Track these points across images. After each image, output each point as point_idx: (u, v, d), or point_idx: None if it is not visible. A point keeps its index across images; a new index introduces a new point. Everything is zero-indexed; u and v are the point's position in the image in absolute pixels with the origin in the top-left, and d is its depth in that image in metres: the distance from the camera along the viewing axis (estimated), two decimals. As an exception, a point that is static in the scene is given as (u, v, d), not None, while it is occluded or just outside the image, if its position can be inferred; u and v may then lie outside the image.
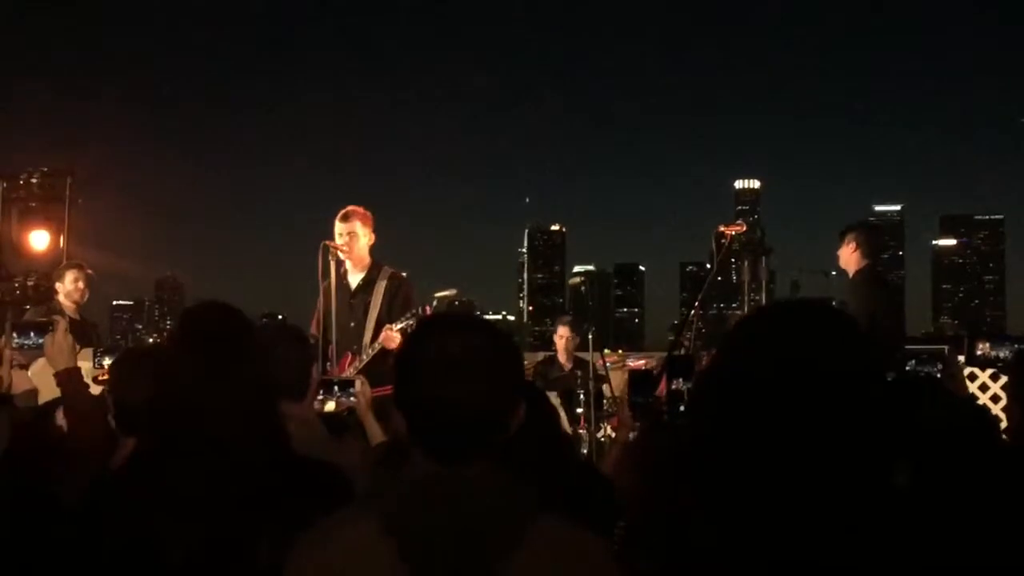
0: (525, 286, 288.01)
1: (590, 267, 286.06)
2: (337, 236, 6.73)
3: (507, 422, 1.88)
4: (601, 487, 3.62)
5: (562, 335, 9.38)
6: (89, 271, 8.22)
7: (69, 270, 8.08)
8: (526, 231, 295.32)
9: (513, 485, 1.84)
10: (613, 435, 7.29)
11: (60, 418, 3.45)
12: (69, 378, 3.40)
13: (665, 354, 6.63)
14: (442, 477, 1.81)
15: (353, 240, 6.71)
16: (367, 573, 1.80)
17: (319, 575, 1.84)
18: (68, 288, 8.03)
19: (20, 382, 6.51)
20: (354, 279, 6.85)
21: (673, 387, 4.04)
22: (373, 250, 6.92)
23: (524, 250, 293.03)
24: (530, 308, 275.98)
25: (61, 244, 9.74)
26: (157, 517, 2.34)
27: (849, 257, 7.45)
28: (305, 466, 2.66)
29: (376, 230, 6.91)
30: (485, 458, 1.84)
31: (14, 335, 3.76)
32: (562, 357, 9.39)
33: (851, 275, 7.41)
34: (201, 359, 2.53)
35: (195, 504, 2.35)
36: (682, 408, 3.70)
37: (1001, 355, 4.46)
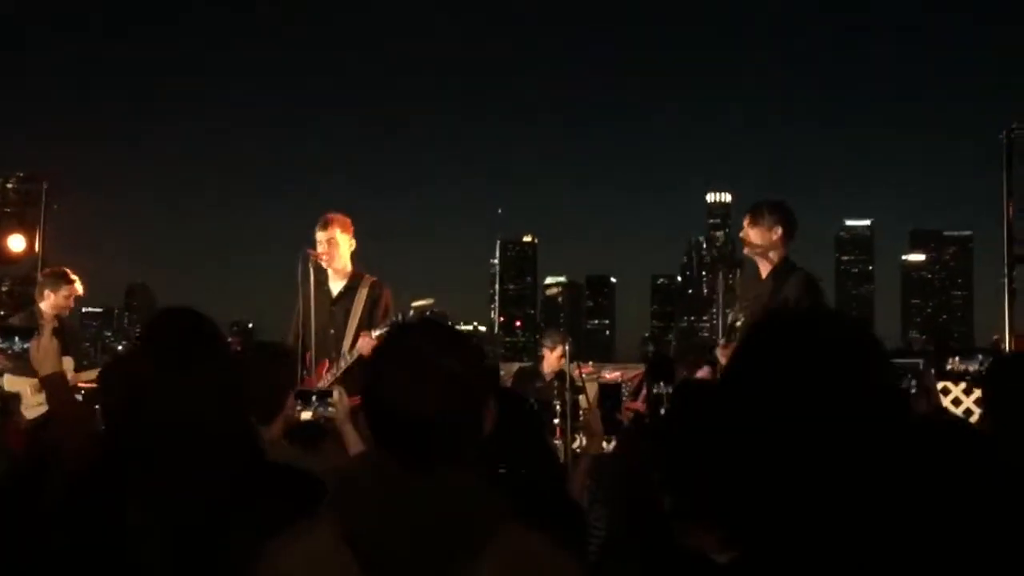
0: (497, 297, 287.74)
1: (561, 278, 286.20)
2: (317, 244, 6.75)
3: (471, 430, 1.89)
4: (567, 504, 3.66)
5: (560, 354, 9.39)
6: (79, 285, 8.15)
7: (65, 284, 7.99)
8: (498, 242, 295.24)
9: (477, 492, 1.84)
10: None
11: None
12: (55, 382, 3.38)
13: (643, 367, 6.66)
14: (399, 484, 1.81)
15: (333, 247, 6.75)
16: None
17: None
18: (59, 302, 7.94)
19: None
20: (335, 286, 6.89)
21: (655, 391, 4.05)
22: (354, 257, 6.95)
23: (496, 261, 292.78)
24: (501, 319, 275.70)
25: (36, 249, 9.73)
26: (128, 519, 2.34)
27: (772, 242, 6.16)
28: (277, 470, 2.68)
29: (356, 236, 6.94)
30: (449, 465, 1.84)
31: None
32: (546, 369, 9.49)
33: (772, 264, 6.18)
34: (165, 365, 2.54)
35: (164, 506, 2.35)
36: (663, 411, 3.72)
37: (971, 368, 4.50)
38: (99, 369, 7.54)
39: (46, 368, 3.39)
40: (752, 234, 6.17)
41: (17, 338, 3.75)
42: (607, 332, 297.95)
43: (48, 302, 7.89)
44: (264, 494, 2.43)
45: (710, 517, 2.19)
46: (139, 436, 2.49)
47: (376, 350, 2.01)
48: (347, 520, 1.81)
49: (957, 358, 4.54)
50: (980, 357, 4.51)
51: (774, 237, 6.14)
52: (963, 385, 9.57)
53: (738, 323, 6.07)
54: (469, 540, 1.77)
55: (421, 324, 2.02)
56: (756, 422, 1.39)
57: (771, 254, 6.15)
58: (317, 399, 4.35)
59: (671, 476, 2.51)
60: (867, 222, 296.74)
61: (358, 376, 6.50)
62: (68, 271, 8.11)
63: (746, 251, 6.28)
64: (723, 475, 1.43)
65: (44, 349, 3.42)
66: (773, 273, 6.16)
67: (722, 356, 5.98)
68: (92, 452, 3.10)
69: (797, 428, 1.36)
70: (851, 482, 1.33)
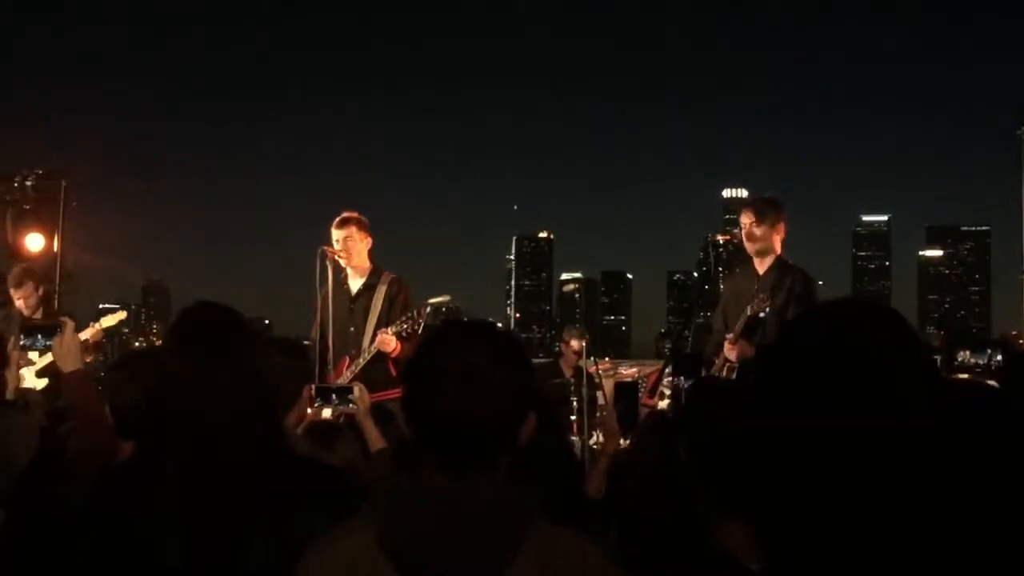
0: (512, 293, 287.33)
1: (577, 274, 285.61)
2: (334, 242, 6.76)
3: (514, 435, 1.87)
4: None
5: (576, 349, 9.46)
6: (41, 287, 8.25)
7: (25, 284, 8.09)
8: (514, 238, 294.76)
9: (512, 494, 1.83)
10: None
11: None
12: (78, 380, 3.40)
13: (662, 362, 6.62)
14: (437, 487, 1.81)
15: (351, 245, 6.75)
16: None
17: None
18: (23, 303, 8.07)
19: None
20: (355, 284, 6.88)
21: (677, 385, 4.03)
22: (371, 254, 6.94)
23: (512, 257, 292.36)
24: (517, 315, 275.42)
25: (55, 247, 9.73)
26: (152, 518, 2.35)
27: (775, 241, 6.29)
28: (304, 467, 2.67)
29: (371, 235, 6.92)
30: (491, 470, 1.84)
31: (21, 337, 3.77)
32: (565, 365, 9.52)
33: (771, 260, 6.28)
34: (196, 360, 2.54)
35: (189, 505, 2.36)
36: (684, 403, 3.71)
37: (980, 362, 4.46)
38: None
39: (68, 365, 3.40)
40: (758, 231, 6.24)
41: (40, 335, 3.79)
42: (623, 328, 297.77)
43: (20, 303, 8.02)
44: (295, 495, 2.43)
45: (747, 514, 2.17)
46: (168, 434, 2.49)
47: (419, 352, 1.94)
48: (382, 524, 1.81)
49: (968, 352, 4.51)
50: (989, 351, 4.48)
51: (776, 237, 6.25)
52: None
53: (742, 318, 6.03)
54: (506, 542, 1.77)
55: (464, 326, 1.96)
56: (794, 420, 1.39)
57: (771, 251, 6.26)
58: (336, 395, 4.34)
59: (705, 472, 2.49)
60: (884, 217, 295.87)
61: (378, 372, 6.52)
62: (18, 271, 8.15)
63: (751, 247, 6.31)
64: (758, 472, 1.43)
65: (67, 346, 3.43)
66: (772, 269, 6.24)
67: (730, 352, 5.97)
68: (109, 449, 3.13)
69: (831, 427, 1.36)
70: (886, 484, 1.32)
